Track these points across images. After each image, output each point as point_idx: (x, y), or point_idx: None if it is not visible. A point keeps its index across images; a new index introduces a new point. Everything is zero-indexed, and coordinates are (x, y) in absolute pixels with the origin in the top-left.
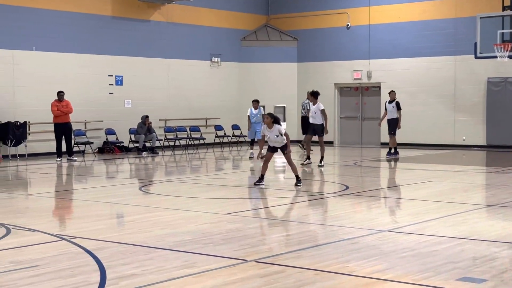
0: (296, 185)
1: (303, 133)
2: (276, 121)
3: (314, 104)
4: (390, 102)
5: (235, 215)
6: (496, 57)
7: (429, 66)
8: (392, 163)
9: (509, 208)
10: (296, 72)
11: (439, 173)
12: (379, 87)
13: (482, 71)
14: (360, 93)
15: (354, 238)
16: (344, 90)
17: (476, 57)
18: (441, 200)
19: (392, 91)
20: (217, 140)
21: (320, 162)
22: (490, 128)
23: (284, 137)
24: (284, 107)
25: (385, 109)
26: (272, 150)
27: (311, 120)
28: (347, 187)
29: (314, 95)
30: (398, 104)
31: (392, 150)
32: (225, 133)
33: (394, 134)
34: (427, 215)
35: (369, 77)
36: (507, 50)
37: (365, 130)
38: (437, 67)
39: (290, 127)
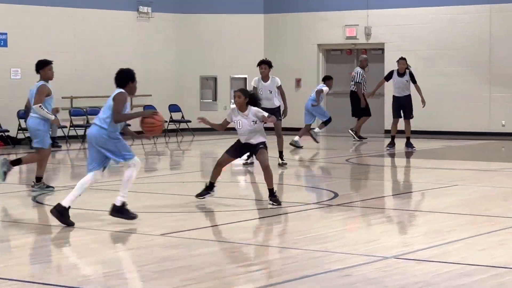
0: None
1: None
2: (252, 101)
3: (266, 81)
4: (400, 74)
5: (174, 237)
6: None
7: (453, 18)
8: (401, 159)
9: None
10: (262, 28)
11: (468, 174)
12: (382, 50)
13: None
14: (355, 59)
15: (346, 269)
16: (332, 55)
17: None
18: (470, 212)
19: (402, 58)
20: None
21: (281, 159)
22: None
23: (261, 124)
24: (245, 78)
25: (387, 80)
26: (236, 151)
27: (264, 104)
28: (336, 195)
29: (268, 64)
30: (412, 76)
31: (395, 141)
32: None
33: (410, 117)
34: (450, 235)
35: (367, 35)
36: None
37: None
38: (465, 20)
39: None
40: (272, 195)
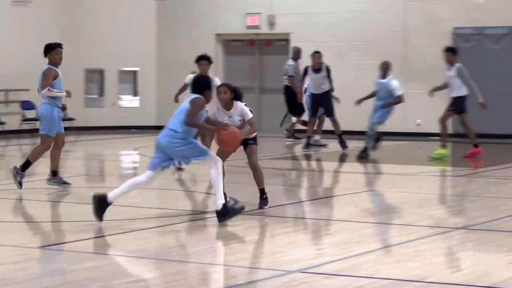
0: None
1: None
2: (237, 96)
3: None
4: (316, 69)
5: (54, 249)
6: None
7: (364, 8)
8: (312, 161)
9: (486, 231)
10: (154, 16)
11: (382, 178)
12: (287, 41)
13: (446, 17)
14: (257, 50)
15: (247, 284)
16: (233, 46)
17: None
18: (383, 221)
19: (316, 52)
20: (25, 126)
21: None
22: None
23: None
24: (135, 71)
25: (303, 76)
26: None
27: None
28: (235, 202)
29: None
30: (329, 71)
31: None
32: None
33: (332, 115)
34: (361, 246)
35: (271, 24)
36: None
37: (266, 109)
38: (379, 9)
39: (148, 105)
40: (262, 197)
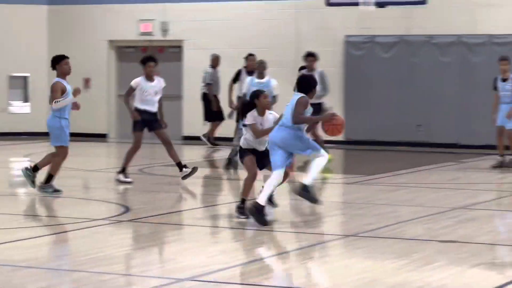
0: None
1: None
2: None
3: (152, 79)
4: (249, 72)
5: None
6: (357, 3)
7: (258, 16)
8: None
9: (375, 238)
10: (45, 21)
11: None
12: (180, 47)
13: (338, 25)
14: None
15: None
16: (126, 52)
17: (329, 4)
18: (274, 228)
19: (251, 54)
20: None
21: (181, 170)
22: (349, 113)
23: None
24: (25, 77)
25: (235, 82)
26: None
27: (144, 106)
28: (127, 210)
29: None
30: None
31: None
32: None
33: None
34: (252, 253)
35: (164, 31)
36: None
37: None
38: (270, 17)
39: (39, 111)
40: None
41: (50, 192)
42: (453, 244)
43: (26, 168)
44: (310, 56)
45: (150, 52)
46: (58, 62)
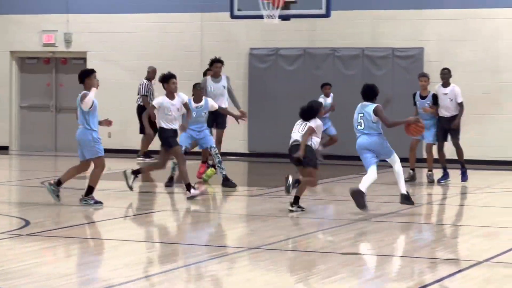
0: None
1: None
2: None
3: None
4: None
5: None
6: (262, 16)
7: (162, 28)
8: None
9: (279, 251)
10: None
11: (177, 199)
12: (84, 59)
13: (243, 37)
14: (53, 69)
15: None
16: (28, 64)
17: (233, 16)
18: (175, 241)
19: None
20: None
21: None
22: (252, 127)
23: None
24: None
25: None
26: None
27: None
28: (27, 223)
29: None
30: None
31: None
32: None
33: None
34: (153, 267)
35: (68, 42)
36: (278, 7)
37: (61, 128)
38: (175, 29)
39: None
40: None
41: (91, 204)
42: (354, 256)
43: (50, 183)
44: (218, 62)
45: (53, 63)
46: (89, 76)
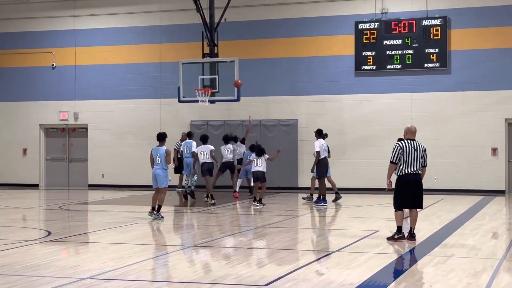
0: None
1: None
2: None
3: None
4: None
5: None
6: (198, 101)
7: (136, 108)
8: (97, 205)
9: (210, 248)
10: None
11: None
12: (86, 128)
13: (186, 113)
14: (67, 134)
15: None
16: (50, 131)
17: (180, 101)
18: (145, 243)
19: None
20: None
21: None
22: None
23: None
24: None
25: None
26: None
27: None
28: (49, 233)
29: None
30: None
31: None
32: None
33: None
34: (130, 259)
35: (76, 118)
36: (207, 95)
37: (72, 171)
38: (144, 109)
39: None
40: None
41: (160, 218)
42: (256, 250)
43: (150, 212)
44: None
45: (66, 131)
46: (166, 137)
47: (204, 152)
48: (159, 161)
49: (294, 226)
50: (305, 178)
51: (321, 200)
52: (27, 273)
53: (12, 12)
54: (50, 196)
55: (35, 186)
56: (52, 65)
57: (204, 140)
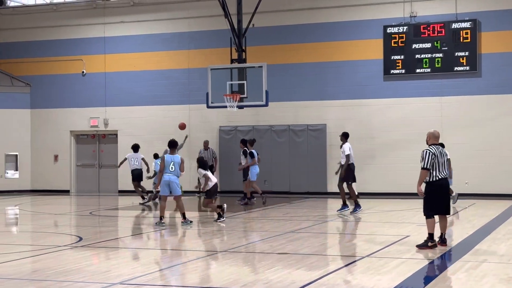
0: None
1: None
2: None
3: None
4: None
5: None
6: (226, 106)
7: (165, 114)
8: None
9: (238, 253)
10: (29, 118)
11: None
12: (116, 135)
13: (215, 119)
14: (97, 141)
15: None
16: (81, 138)
17: (208, 107)
18: (174, 248)
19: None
20: None
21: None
22: (222, 176)
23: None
24: (16, 155)
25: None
26: None
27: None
28: (81, 239)
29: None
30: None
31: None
32: None
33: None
34: (160, 264)
35: (106, 124)
36: (235, 100)
37: (102, 177)
38: (172, 115)
39: (22, 174)
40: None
41: (189, 223)
42: (285, 255)
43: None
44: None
45: (96, 137)
46: (176, 145)
47: (134, 159)
48: (173, 169)
49: (323, 231)
50: (334, 183)
51: (357, 206)
52: (59, 279)
53: (43, 20)
54: (80, 202)
55: (66, 192)
56: (82, 72)
57: (135, 148)
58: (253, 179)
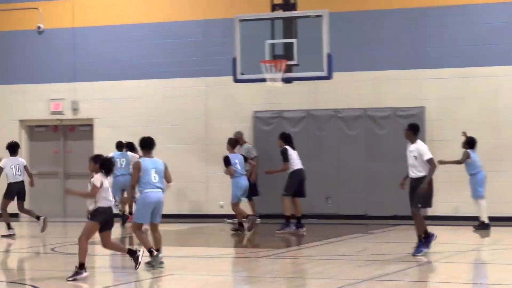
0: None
1: None
2: None
3: None
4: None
5: None
6: (265, 80)
7: (167, 92)
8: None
9: None
10: None
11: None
12: (91, 126)
13: (246, 100)
14: (62, 136)
15: None
16: (37, 131)
17: (237, 80)
18: None
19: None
20: None
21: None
22: (263, 188)
23: None
24: None
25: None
26: None
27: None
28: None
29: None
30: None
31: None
32: None
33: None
34: None
35: (75, 109)
36: (280, 70)
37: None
38: (180, 94)
39: None
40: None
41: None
42: None
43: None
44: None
45: (61, 130)
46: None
47: (15, 167)
48: (156, 180)
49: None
50: (439, 195)
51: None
52: None
53: None
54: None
55: (13, 216)
56: (38, 27)
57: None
58: (234, 200)
